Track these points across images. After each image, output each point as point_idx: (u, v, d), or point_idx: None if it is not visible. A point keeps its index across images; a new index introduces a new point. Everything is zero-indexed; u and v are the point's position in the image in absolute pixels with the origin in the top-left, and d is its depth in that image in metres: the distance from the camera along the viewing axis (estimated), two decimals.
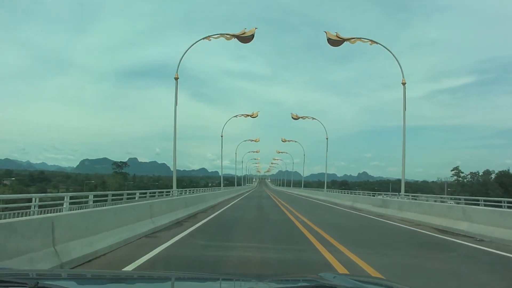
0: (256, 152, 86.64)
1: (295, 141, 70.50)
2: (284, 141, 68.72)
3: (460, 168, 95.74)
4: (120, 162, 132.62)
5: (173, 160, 23.40)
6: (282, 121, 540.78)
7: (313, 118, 48.02)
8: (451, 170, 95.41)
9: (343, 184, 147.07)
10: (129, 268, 6.01)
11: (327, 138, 47.50)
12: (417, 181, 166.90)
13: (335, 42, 23.37)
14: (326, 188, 49.88)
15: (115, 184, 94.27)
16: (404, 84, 22.53)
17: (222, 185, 50.00)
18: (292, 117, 48.46)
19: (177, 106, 21.97)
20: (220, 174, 57.13)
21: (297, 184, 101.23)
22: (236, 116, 45.76)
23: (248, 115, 45.24)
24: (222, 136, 45.88)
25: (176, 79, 21.97)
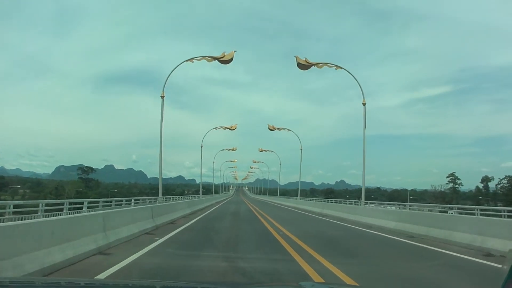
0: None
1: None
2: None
3: (456, 175, 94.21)
4: (86, 167, 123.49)
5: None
6: (260, 129, 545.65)
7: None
8: (447, 177, 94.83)
9: (328, 192, 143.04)
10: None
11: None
12: (396, 189, 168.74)
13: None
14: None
15: (72, 191, 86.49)
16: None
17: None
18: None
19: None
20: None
21: (274, 192, 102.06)
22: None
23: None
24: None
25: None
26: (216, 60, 24.78)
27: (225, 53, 24.80)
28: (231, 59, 24.81)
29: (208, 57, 24.80)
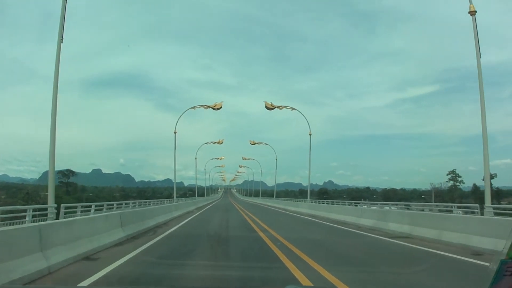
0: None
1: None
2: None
3: (457, 172, 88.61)
4: (66, 170, 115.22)
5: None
6: (248, 131, 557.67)
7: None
8: (447, 175, 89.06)
9: (323, 193, 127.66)
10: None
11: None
12: (385, 188, 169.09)
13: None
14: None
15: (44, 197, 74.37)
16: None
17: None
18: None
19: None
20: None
21: (264, 194, 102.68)
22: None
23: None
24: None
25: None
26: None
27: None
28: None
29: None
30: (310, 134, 37.91)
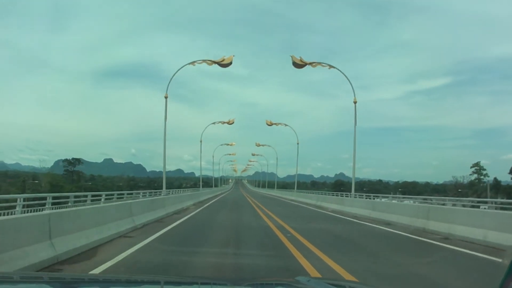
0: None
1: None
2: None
3: (481, 165, 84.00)
4: (72, 159, 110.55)
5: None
6: (258, 122, 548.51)
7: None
8: (471, 167, 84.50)
9: (338, 185, 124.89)
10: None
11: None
12: (397, 181, 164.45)
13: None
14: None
15: (47, 185, 73.79)
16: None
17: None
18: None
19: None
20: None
21: (272, 185, 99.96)
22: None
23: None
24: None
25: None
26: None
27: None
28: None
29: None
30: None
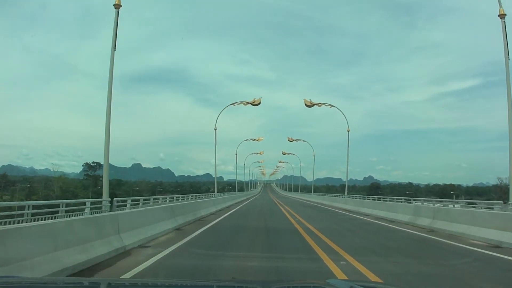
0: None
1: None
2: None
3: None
4: (93, 162, 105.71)
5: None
6: (286, 125, 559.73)
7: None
8: None
9: (374, 188, 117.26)
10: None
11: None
12: (428, 184, 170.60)
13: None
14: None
15: (58, 191, 72.13)
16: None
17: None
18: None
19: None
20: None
21: (304, 189, 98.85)
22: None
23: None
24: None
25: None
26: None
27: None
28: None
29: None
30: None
